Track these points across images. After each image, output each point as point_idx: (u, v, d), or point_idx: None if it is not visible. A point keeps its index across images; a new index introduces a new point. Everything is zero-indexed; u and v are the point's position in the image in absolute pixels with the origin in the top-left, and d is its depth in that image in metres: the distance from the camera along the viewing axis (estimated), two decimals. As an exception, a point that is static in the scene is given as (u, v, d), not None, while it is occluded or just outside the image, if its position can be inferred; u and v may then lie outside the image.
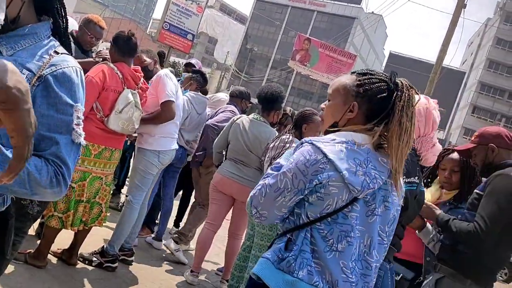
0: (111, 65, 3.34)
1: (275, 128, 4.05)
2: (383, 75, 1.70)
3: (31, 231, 3.73)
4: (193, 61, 5.82)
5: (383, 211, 1.62)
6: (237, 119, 3.93)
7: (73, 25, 3.54)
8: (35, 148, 1.24)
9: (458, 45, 15.25)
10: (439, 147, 2.43)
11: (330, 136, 1.65)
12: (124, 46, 3.40)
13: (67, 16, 1.42)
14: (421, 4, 22.87)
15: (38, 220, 3.67)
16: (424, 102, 2.31)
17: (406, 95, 1.62)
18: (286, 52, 43.97)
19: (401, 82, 1.67)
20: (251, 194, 1.69)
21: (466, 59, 59.06)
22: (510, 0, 46.87)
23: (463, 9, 12.71)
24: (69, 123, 1.27)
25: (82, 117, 1.32)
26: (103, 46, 4.22)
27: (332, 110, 1.75)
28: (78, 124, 1.29)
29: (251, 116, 3.92)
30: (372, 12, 42.02)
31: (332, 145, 1.60)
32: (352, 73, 1.77)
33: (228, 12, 64.41)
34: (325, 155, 1.57)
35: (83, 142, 1.31)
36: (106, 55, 3.58)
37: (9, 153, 1.13)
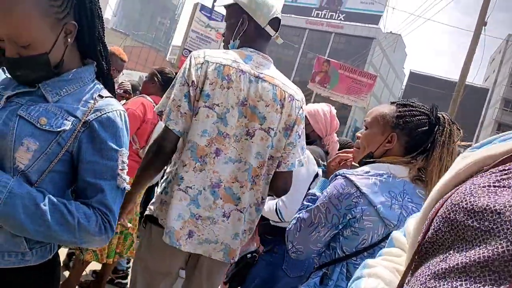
0: (148, 98, 3.40)
1: None
2: (424, 108, 1.66)
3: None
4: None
5: None
6: None
7: None
8: (82, 195, 1.25)
9: (480, 62, 15.02)
10: (338, 145, 2.81)
11: (364, 168, 1.59)
12: (166, 82, 3.49)
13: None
14: (441, 22, 22.78)
15: (66, 251, 3.66)
16: (326, 107, 2.72)
17: (448, 130, 1.57)
18: (305, 75, 44.20)
19: (443, 116, 1.62)
20: (287, 228, 1.65)
21: (488, 76, 58.30)
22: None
23: (483, 26, 12.55)
24: (114, 169, 1.26)
25: (127, 161, 1.31)
26: (124, 77, 4.28)
27: (369, 140, 1.69)
28: (123, 169, 1.28)
29: None
30: (391, 32, 42.01)
31: (366, 178, 1.54)
32: (392, 103, 1.72)
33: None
34: (358, 188, 1.51)
35: (128, 187, 1.30)
36: (128, 87, 3.65)
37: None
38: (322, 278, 1.57)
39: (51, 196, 1.17)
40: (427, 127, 1.60)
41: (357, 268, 1.49)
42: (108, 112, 1.28)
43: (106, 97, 1.33)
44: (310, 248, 1.60)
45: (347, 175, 1.56)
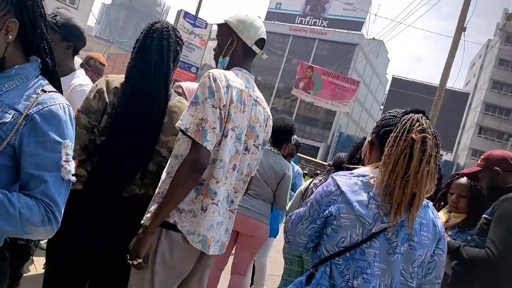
0: None
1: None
2: (399, 111, 1.74)
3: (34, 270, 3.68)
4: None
5: (406, 249, 1.58)
6: None
7: (77, 63, 3.61)
8: (25, 187, 1.26)
9: (460, 67, 15.34)
10: None
11: (354, 170, 1.70)
12: None
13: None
14: (421, 28, 23.16)
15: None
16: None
17: (403, 125, 1.61)
18: (289, 81, 44.38)
19: (410, 114, 1.65)
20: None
21: (469, 81, 59.24)
22: (509, 21, 47.30)
23: (463, 32, 12.83)
24: (58, 161, 1.28)
25: (72, 153, 1.32)
26: None
27: (363, 152, 1.88)
28: (67, 161, 1.30)
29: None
30: (373, 38, 42.47)
31: (349, 178, 1.65)
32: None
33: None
34: (338, 187, 1.62)
35: (73, 178, 1.32)
36: None
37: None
38: (309, 278, 1.65)
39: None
40: (392, 127, 1.65)
41: (339, 268, 1.57)
42: (51, 105, 1.29)
43: (50, 91, 1.34)
44: (296, 240, 1.76)
45: (334, 175, 1.69)
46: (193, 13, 16.12)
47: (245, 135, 2.05)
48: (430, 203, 1.69)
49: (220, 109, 1.88)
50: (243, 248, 3.81)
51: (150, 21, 2.24)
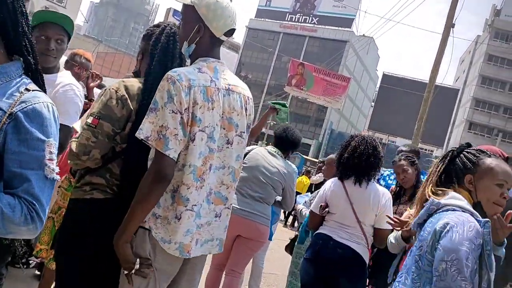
0: None
1: None
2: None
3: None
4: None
5: None
6: (251, 149, 3.85)
7: (62, 63, 3.55)
8: (8, 186, 1.24)
9: (449, 63, 15.47)
10: None
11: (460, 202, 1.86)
12: None
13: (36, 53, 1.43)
14: (410, 25, 23.26)
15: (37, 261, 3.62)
16: None
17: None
18: (280, 78, 44.43)
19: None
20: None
21: (459, 77, 59.71)
22: (497, 17, 47.70)
23: (452, 28, 12.90)
24: (41, 159, 1.26)
25: (56, 152, 1.31)
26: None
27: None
28: (51, 159, 1.28)
29: (269, 148, 3.88)
30: (363, 35, 42.62)
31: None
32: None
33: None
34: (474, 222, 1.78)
35: (57, 177, 1.30)
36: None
37: None
38: None
39: None
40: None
41: None
42: (34, 104, 1.28)
43: (33, 90, 1.33)
44: None
45: (465, 216, 1.76)
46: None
47: (224, 128, 1.94)
48: None
49: (181, 113, 1.77)
50: (242, 250, 3.75)
51: (163, 23, 2.17)
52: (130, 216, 1.76)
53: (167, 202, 1.83)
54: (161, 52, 2.07)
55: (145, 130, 1.74)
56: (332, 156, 4.03)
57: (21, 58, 1.38)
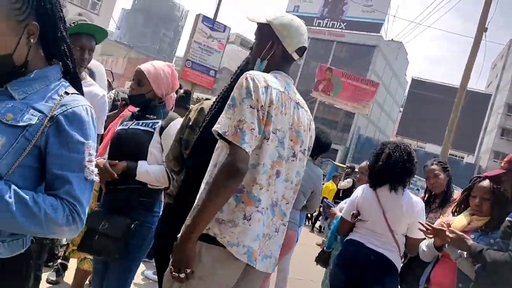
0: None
1: None
2: None
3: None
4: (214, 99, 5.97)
5: None
6: None
7: (96, 65, 3.61)
8: (50, 187, 1.29)
9: (482, 68, 15.10)
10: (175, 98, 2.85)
11: None
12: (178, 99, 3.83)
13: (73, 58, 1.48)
14: (441, 29, 22.85)
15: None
16: (167, 68, 2.65)
17: None
18: (308, 83, 44.19)
19: None
20: None
21: (491, 82, 58.19)
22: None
23: (484, 32, 12.62)
24: (81, 161, 1.30)
25: (95, 154, 1.35)
26: (120, 91, 4.29)
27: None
28: (90, 161, 1.32)
29: None
30: (392, 39, 42.13)
31: None
32: None
33: (249, 46, 65.22)
34: None
35: (96, 178, 1.34)
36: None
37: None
38: None
39: (16, 188, 1.21)
40: None
41: None
42: (74, 107, 1.33)
43: (72, 93, 1.38)
44: None
45: None
46: (211, 17, 16.22)
47: (291, 140, 1.93)
48: None
49: (258, 110, 1.77)
50: None
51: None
52: (200, 213, 1.71)
53: (231, 205, 1.78)
54: None
55: (223, 125, 1.74)
56: (365, 163, 4.00)
57: (60, 62, 1.43)
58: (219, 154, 1.83)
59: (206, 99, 2.73)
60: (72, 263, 3.68)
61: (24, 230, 1.25)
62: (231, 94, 1.82)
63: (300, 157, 1.99)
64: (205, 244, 1.77)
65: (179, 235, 1.77)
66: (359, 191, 3.31)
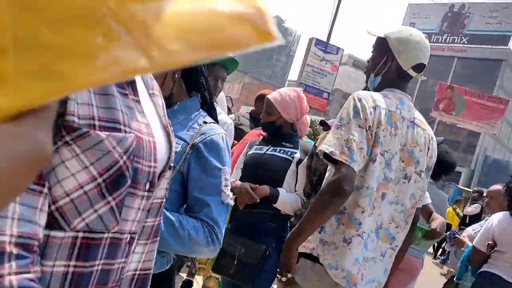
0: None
1: None
2: None
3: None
4: (329, 121, 5.90)
5: None
6: None
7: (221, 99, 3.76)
8: (191, 210, 1.39)
9: None
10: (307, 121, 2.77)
11: None
12: None
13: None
14: None
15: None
16: (293, 92, 2.60)
17: None
18: (425, 102, 42.16)
19: None
20: None
21: None
22: None
23: None
24: (218, 185, 1.39)
25: (230, 179, 1.44)
26: (240, 116, 4.40)
27: None
28: (226, 185, 1.41)
29: None
30: (522, 52, 38.62)
31: None
32: None
33: (361, 67, 64.41)
34: None
35: (232, 202, 1.45)
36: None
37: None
38: None
39: (165, 210, 1.27)
40: None
41: None
42: (212, 135, 1.43)
43: (209, 122, 1.48)
44: None
45: None
46: (324, 40, 16.27)
47: (402, 161, 1.86)
48: None
49: (366, 129, 1.74)
50: (391, 282, 3.57)
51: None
52: (304, 223, 1.76)
53: (333, 226, 1.81)
54: None
55: (330, 145, 1.73)
56: (498, 187, 3.62)
57: (198, 94, 1.54)
58: (328, 176, 1.84)
59: (320, 121, 2.73)
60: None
61: (170, 249, 1.35)
62: (338, 115, 1.81)
63: (415, 178, 1.92)
64: (310, 262, 1.84)
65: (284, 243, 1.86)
66: (494, 219, 3.05)
